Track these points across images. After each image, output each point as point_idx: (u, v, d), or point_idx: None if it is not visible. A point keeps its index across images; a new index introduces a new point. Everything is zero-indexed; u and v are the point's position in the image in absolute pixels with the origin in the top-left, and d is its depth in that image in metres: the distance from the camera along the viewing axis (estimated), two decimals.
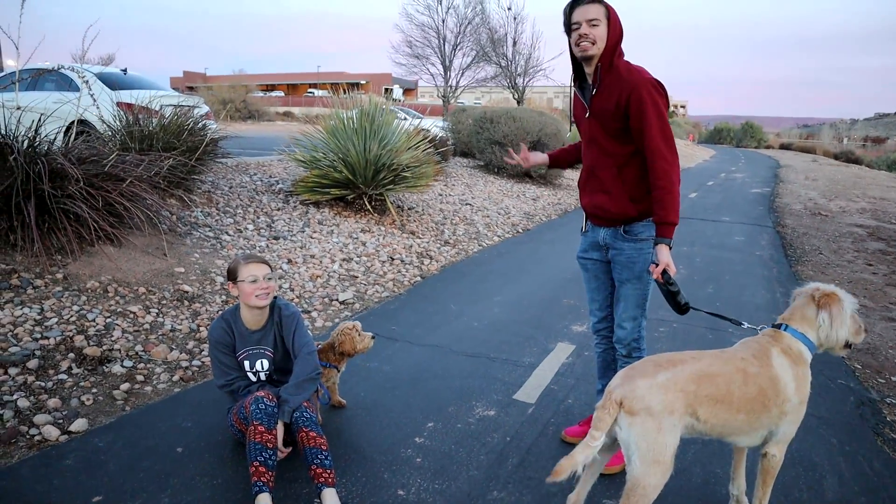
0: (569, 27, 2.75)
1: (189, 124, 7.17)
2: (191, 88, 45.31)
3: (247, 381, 3.14)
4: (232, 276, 3.05)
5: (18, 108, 5.42)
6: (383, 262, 6.92)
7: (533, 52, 27.81)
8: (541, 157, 3.42)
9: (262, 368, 3.13)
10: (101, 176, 5.10)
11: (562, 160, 3.42)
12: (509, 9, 26.83)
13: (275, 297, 3.20)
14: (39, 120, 5.29)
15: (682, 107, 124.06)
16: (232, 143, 8.36)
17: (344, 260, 6.72)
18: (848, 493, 2.99)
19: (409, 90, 67.85)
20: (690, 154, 39.05)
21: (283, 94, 67.69)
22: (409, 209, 9.32)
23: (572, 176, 16.91)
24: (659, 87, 2.71)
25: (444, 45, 27.44)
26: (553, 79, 30.86)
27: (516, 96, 28.31)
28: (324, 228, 7.56)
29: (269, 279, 3.03)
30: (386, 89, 52.17)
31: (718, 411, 2.32)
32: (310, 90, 65.89)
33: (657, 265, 2.74)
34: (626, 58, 2.80)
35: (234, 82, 44.02)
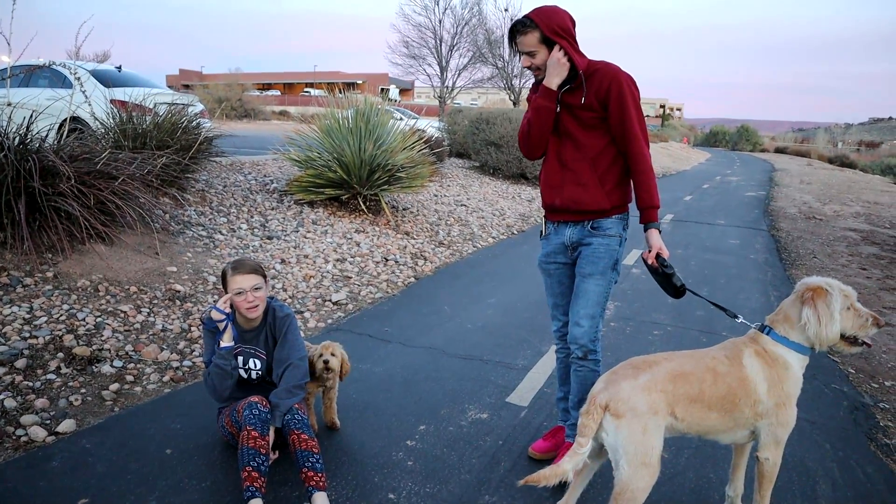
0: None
1: (183, 122, 7.13)
2: (187, 87, 45.13)
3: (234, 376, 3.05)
4: (223, 283, 3.01)
5: (10, 105, 5.37)
6: (377, 262, 6.89)
7: None
8: None
9: (255, 367, 3.08)
10: (93, 174, 5.06)
11: None
12: (506, 10, 26.88)
13: (270, 298, 3.15)
14: (31, 116, 5.24)
15: (678, 110, 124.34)
16: (227, 141, 8.33)
17: (338, 260, 6.69)
18: (841, 498, 2.98)
19: (405, 90, 67.80)
20: (686, 157, 39.14)
21: (279, 93, 67.60)
22: (403, 210, 9.29)
23: None
24: (634, 81, 2.81)
25: (440, 45, 27.51)
26: None
27: (512, 97, 28.32)
28: (318, 228, 7.52)
29: (258, 289, 2.92)
30: (382, 89, 52.13)
31: (693, 410, 2.35)
32: (306, 89, 65.82)
33: (650, 251, 2.80)
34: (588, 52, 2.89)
35: (231, 81, 43.83)
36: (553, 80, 2.80)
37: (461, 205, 10.83)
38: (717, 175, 26.88)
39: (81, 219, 4.81)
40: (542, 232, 3.14)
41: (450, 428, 3.46)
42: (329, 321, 5.18)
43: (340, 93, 9.22)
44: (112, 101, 7.26)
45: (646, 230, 2.85)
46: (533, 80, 3.00)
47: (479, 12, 27.29)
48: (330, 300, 5.63)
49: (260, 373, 3.09)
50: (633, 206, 2.96)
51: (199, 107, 9.56)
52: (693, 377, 2.35)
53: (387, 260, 7.02)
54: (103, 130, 6.66)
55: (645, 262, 2.89)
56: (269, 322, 3.09)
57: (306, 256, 6.57)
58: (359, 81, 57.19)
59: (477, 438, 3.36)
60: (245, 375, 3.10)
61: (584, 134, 2.85)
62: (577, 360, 2.97)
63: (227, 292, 2.96)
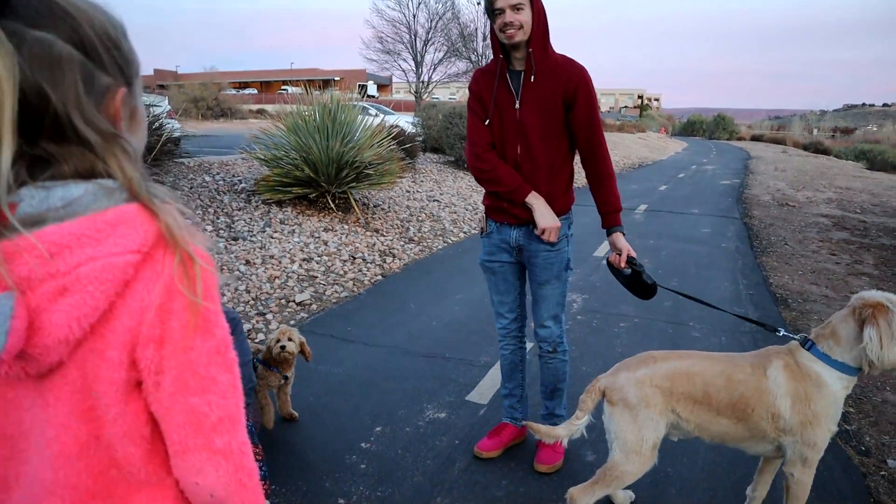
0: (491, 11, 2.59)
1: None
2: (162, 87, 44.46)
3: None
4: None
5: None
6: (344, 261, 6.81)
7: None
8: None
9: None
10: None
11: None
12: (479, 3, 26.72)
13: None
14: None
15: (656, 100, 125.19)
16: (199, 141, 8.20)
17: (304, 260, 6.59)
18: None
19: (383, 86, 67.56)
20: (662, 147, 39.40)
21: (256, 91, 66.98)
22: (374, 207, 9.20)
23: None
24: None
25: (415, 40, 27.33)
26: None
27: None
28: (285, 228, 7.42)
29: None
30: (360, 86, 51.75)
31: (698, 411, 2.33)
32: (283, 87, 65.24)
33: (619, 255, 2.75)
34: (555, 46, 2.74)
35: (206, 80, 43.17)
36: (537, 217, 2.72)
37: (434, 200, 10.75)
38: (692, 164, 27.04)
39: None
40: (482, 229, 3.05)
41: (406, 429, 3.40)
42: (291, 322, 5.09)
43: (318, 90, 9.09)
44: None
45: (609, 234, 2.78)
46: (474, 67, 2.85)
47: (453, 6, 27.12)
48: (294, 301, 5.54)
49: None
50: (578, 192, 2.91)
51: (164, 107, 9.41)
52: (698, 378, 2.31)
53: (354, 258, 6.94)
54: None
55: (610, 265, 2.82)
56: None
57: (272, 257, 6.47)
58: (336, 78, 56.79)
59: (433, 438, 3.30)
60: None
61: (542, 137, 2.70)
62: (548, 353, 2.99)
63: None
